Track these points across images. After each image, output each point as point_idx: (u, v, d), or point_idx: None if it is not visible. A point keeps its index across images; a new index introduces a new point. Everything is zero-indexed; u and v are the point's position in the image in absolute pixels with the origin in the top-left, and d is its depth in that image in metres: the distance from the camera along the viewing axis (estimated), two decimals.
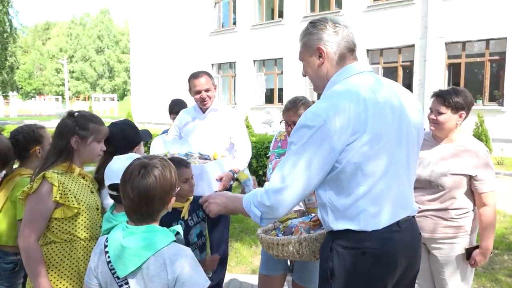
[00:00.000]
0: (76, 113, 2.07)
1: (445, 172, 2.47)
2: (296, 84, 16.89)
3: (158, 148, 3.03)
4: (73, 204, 1.94)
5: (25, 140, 2.46)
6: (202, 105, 3.44)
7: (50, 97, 47.34)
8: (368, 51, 14.93)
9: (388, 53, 14.78)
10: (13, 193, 2.33)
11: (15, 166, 2.56)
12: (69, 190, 1.95)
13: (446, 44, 13.03)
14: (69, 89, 54.94)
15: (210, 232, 3.38)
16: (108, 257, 1.54)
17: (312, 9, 16.67)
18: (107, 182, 1.89)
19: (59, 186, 1.91)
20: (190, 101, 3.72)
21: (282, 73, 17.59)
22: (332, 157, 1.51)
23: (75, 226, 1.96)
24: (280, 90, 17.56)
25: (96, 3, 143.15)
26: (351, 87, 1.59)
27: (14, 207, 2.33)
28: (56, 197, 1.90)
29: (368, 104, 1.54)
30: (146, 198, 1.51)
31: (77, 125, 2.03)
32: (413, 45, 13.76)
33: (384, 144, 1.54)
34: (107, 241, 1.59)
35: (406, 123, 1.63)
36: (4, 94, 21.64)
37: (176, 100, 4.66)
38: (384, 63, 14.89)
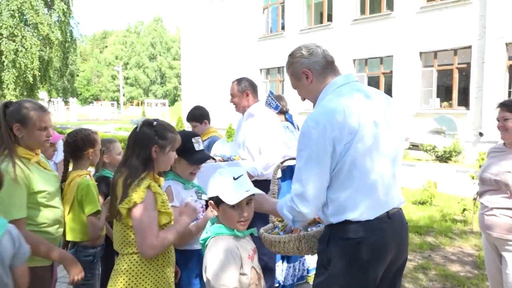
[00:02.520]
0: (155, 122, 2.10)
1: (510, 170, 2.58)
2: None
3: (217, 150, 3.45)
4: (169, 213, 2.06)
5: (82, 142, 2.65)
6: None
7: (106, 102, 49.62)
8: (421, 53, 14.41)
9: (443, 55, 14.18)
10: (78, 193, 2.52)
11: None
12: (163, 199, 2.06)
13: (507, 44, 12.31)
14: (123, 95, 57.35)
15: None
16: None
17: (362, 11, 16.35)
18: (212, 194, 1.89)
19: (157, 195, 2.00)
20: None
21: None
22: (335, 155, 1.73)
23: None
24: None
25: (150, 12, 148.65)
26: (342, 94, 1.83)
27: (81, 206, 2.53)
28: (159, 206, 2.00)
29: (359, 107, 1.78)
30: None
31: (156, 134, 2.06)
32: (470, 47, 13.12)
33: (374, 141, 1.77)
34: None
35: (390, 122, 1.85)
36: (65, 100, 22.85)
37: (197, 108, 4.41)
38: (439, 65, 14.30)
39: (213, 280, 1.73)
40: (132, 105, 60.00)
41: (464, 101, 13.65)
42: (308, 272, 4.07)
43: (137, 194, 1.93)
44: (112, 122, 33.16)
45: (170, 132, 2.11)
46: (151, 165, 2.03)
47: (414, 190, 7.74)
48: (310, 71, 1.94)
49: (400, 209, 1.92)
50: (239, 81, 3.62)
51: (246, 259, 1.82)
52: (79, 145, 2.64)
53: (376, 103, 1.86)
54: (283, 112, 4.17)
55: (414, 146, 13.17)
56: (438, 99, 14.45)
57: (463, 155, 12.13)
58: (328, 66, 1.96)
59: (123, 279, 1.97)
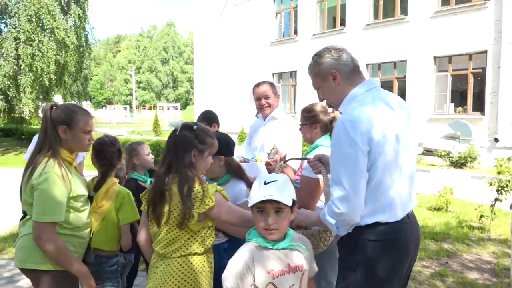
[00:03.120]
0: (195, 126, 2.10)
1: None
2: None
3: (240, 152, 3.39)
4: None
5: (119, 151, 2.65)
6: (261, 111, 3.63)
7: (119, 106, 50.07)
8: (435, 58, 14.30)
9: (458, 60, 14.05)
10: (117, 201, 2.51)
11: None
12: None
13: None
14: (136, 99, 57.82)
15: None
16: None
17: (376, 16, 16.30)
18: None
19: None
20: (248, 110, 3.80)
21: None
22: (370, 157, 1.76)
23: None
24: None
25: (163, 16, 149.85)
26: (372, 99, 1.87)
27: (116, 215, 2.50)
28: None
29: (388, 112, 1.84)
30: None
31: (196, 138, 2.07)
32: (485, 51, 12.99)
33: (401, 145, 1.83)
34: None
35: (410, 128, 1.91)
36: (79, 104, 23.11)
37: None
38: (453, 70, 14.17)
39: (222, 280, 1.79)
40: (144, 108, 60.45)
41: (479, 106, 13.50)
42: None
43: (209, 198, 1.98)
44: (125, 126, 33.44)
45: (209, 136, 2.13)
46: (194, 169, 2.04)
47: (429, 195, 7.67)
48: (338, 73, 1.94)
49: (412, 210, 2.01)
50: (271, 83, 3.69)
51: (263, 273, 1.75)
52: (118, 154, 2.64)
53: (399, 108, 1.91)
54: None
55: (428, 152, 13.05)
56: (453, 104, 14.31)
57: (478, 161, 11.98)
58: (355, 70, 1.98)
59: (180, 279, 1.99)
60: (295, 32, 19.47)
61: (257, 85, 3.67)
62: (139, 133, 24.25)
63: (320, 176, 2.36)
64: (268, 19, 20.51)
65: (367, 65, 16.36)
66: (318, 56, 2.01)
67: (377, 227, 1.82)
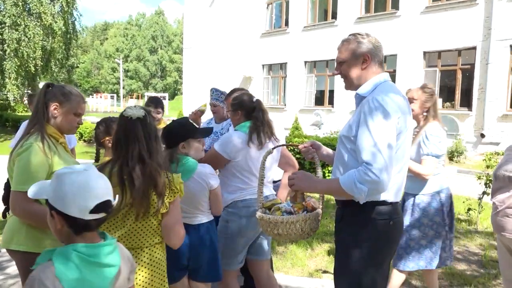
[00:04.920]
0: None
1: None
2: None
3: None
4: None
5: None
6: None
7: (106, 95, 49.42)
8: (425, 53, 14.41)
9: (447, 55, 14.19)
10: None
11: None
12: None
13: (511, 46, 12.33)
14: (123, 88, 57.19)
15: None
16: None
17: (367, 10, 16.32)
18: None
19: None
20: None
21: (333, 74, 17.32)
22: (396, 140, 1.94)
23: None
24: (331, 92, 17.34)
25: (152, 4, 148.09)
26: (395, 88, 2.06)
27: None
28: None
29: (405, 102, 2.03)
30: None
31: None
32: (474, 48, 13.14)
33: (409, 135, 2.03)
34: None
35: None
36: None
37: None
38: (442, 66, 14.31)
39: None
40: (132, 98, 59.78)
41: (466, 102, 13.67)
42: None
43: (179, 186, 1.99)
44: (112, 114, 33.04)
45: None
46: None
47: None
48: (370, 58, 2.07)
49: None
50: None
51: None
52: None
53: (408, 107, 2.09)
54: None
55: None
56: (441, 99, 14.45)
57: (465, 155, 12.15)
58: (381, 63, 2.14)
59: (149, 270, 1.97)
60: (286, 24, 19.41)
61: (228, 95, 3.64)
62: None
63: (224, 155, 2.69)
64: (259, 10, 20.39)
65: None
66: (361, 35, 2.11)
67: (384, 206, 1.98)
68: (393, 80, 15.14)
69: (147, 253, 1.97)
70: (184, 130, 2.52)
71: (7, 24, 16.07)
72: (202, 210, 2.57)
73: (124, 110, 1.93)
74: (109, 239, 1.46)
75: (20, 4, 16.21)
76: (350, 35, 2.15)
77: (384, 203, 1.97)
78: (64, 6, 18.07)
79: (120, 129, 1.92)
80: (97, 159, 2.89)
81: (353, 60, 2.08)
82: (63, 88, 2.28)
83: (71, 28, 19.53)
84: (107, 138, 2.73)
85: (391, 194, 1.98)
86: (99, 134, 2.77)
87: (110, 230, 1.90)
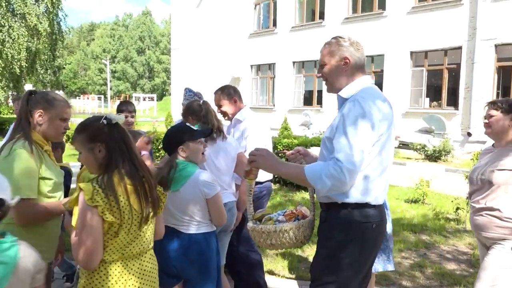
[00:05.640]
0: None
1: (493, 168, 2.59)
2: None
3: None
4: None
5: None
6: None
7: (93, 96, 49.01)
8: (412, 53, 14.52)
9: (433, 55, 14.32)
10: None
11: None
12: None
13: (496, 46, 12.48)
14: (111, 89, 56.69)
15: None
16: None
17: (354, 10, 16.40)
18: None
19: None
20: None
21: (317, 77, 17.37)
22: (374, 142, 1.94)
23: None
24: (320, 92, 17.38)
25: (139, 4, 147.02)
26: (378, 92, 2.08)
27: None
28: None
29: (389, 108, 2.03)
30: None
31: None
32: (460, 47, 13.27)
33: (391, 138, 2.03)
34: None
35: (393, 124, 2.08)
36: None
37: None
38: (429, 65, 14.44)
39: None
40: (119, 99, 59.30)
41: (453, 101, 13.81)
42: None
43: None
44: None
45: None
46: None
47: (406, 188, 7.80)
48: (350, 61, 2.08)
49: None
50: (223, 89, 3.68)
51: None
52: None
53: (390, 104, 2.09)
54: None
55: (404, 145, 13.28)
56: (428, 98, 14.59)
57: (452, 154, 12.27)
58: (362, 67, 2.14)
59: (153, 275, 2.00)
60: (274, 24, 19.41)
61: (214, 93, 3.72)
62: None
63: None
64: (247, 11, 20.36)
65: None
66: (342, 39, 2.13)
67: (367, 209, 1.98)
68: (381, 80, 15.26)
69: (149, 258, 1.93)
70: (180, 134, 2.50)
71: None
72: (196, 219, 2.45)
73: (106, 117, 1.81)
74: (8, 237, 1.47)
75: (4, 4, 15.97)
76: (332, 38, 2.18)
77: (367, 205, 1.97)
78: (49, 7, 17.84)
79: (110, 137, 1.81)
80: None
81: (334, 63, 2.11)
82: (46, 94, 2.24)
83: (56, 29, 19.32)
84: None
85: (373, 196, 1.98)
86: None
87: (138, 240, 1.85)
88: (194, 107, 3.09)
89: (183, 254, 2.43)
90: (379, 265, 3.02)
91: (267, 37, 19.36)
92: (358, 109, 1.91)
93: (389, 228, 2.98)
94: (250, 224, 2.19)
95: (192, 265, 2.44)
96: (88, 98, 46.68)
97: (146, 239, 1.88)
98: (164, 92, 61.29)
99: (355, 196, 1.95)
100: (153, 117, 31.43)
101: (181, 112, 3.34)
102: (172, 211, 2.43)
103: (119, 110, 4.20)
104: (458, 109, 13.40)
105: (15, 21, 16.48)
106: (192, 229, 2.44)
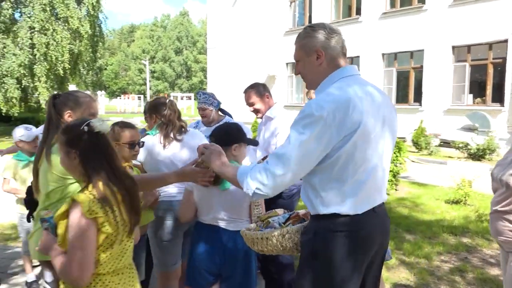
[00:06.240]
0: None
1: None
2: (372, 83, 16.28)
3: None
4: None
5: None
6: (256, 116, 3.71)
7: (133, 95, 50.27)
8: (453, 47, 13.95)
9: (477, 49, 13.69)
10: None
11: None
12: None
13: None
14: (150, 88, 58.03)
15: None
16: None
17: (393, 4, 15.94)
18: None
19: None
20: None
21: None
22: (329, 147, 1.68)
23: None
24: None
25: (177, 5, 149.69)
26: (349, 86, 1.77)
27: None
28: None
29: (363, 101, 1.73)
30: None
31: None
32: (506, 40, 12.62)
33: (373, 137, 1.74)
34: None
35: (387, 120, 1.83)
36: (93, 93, 23.27)
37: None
38: (472, 60, 13.82)
39: None
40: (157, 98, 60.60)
41: (498, 97, 13.16)
42: None
43: None
44: (139, 115, 33.64)
45: None
46: None
47: (447, 188, 7.50)
48: (323, 54, 1.85)
49: (383, 203, 1.92)
50: (254, 87, 3.66)
51: None
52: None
53: (377, 99, 1.82)
54: (220, 109, 4.13)
55: (445, 143, 12.80)
56: (471, 95, 13.98)
57: (497, 153, 11.69)
58: (341, 57, 1.89)
59: None
60: (310, 21, 19.19)
61: (244, 91, 3.69)
62: None
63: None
64: (282, 8, 20.25)
65: (383, 54, 16.07)
66: (311, 28, 1.90)
67: (337, 218, 1.75)
68: (420, 76, 14.78)
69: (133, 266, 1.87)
70: (239, 134, 2.56)
71: (36, 29, 16.49)
72: (243, 216, 2.53)
73: (89, 125, 1.70)
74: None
75: (48, 9, 16.60)
76: (303, 28, 1.95)
77: (337, 215, 1.74)
78: (90, 10, 18.41)
79: (88, 146, 1.70)
80: None
81: (306, 57, 1.90)
82: (69, 94, 2.29)
83: (97, 31, 19.90)
84: (114, 142, 2.65)
85: (343, 206, 1.73)
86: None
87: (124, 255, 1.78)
88: (158, 105, 3.12)
89: (229, 251, 2.46)
90: None
91: None
92: (306, 111, 1.69)
93: None
94: (242, 229, 2.13)
95: (237, 263, 2.48)
96: (128, 98, 47.93)
97: (132, 248, 1.85)
98: None
99: (319, 205, 1.76)
100: (190, 116, 31.91)
101: (145, 109, 3.36)
102: (219, 209, 2.47)
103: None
104: (504, 106, 12.76)
105: (59, 25, 17.12)
106: (239, 227, 2.43)
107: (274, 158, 1.71)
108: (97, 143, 1.71)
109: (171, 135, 2.92)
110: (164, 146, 2.89)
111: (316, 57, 1.86)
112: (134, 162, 2.87)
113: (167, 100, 3.05)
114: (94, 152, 1.70)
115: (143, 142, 2.85)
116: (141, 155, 2.88)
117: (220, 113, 4.10)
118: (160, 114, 2.98)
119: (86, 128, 1.68)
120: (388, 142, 1.85)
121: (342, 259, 1.75)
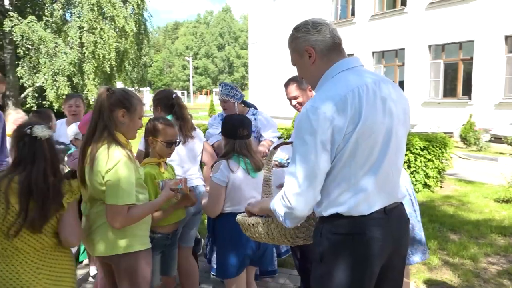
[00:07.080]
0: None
1: None
2: (418, 76, 15.72)
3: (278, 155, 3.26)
4: None
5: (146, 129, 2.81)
6: (297, 111, 3.51)
7: (177, 91, 51.37)
8: (507, 37, 13.19)
9: None
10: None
11: None
12: None
13: None
14: (193, 84, 59.09)
15: None
16: None
17: None
18: None
19: None
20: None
21: (403, 64, 16.51)
22: (333, 146, 1.60)
23: None
24: (401, 82, 16.51)
25: (219, 1, 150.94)
26: (345, 80, 1.67)
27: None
28: None
29: (362, 96, 1.62)
30: None
31: None
32: None
33: (376, 133, 1.64)
34: None
35: (395, 113, 1.71)
36: (138, 89, 23.97)
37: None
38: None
39: None
40: (201, 94, 61.64)
41: None
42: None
43: (77, 189, 2.20)
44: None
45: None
46: None
47: (497, 186, 7.12)
48: (314, 50, 1.76)
49: (401, 203, 1.82)
50: (297, 80, 3.46)
51: None
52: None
53: (381, 92, 1.70)
54: (244, 101, 3.97)
55: (497, 139, 12.16)
56: None
57: None
58: (335, 48, 1.77)
59: None
60: (353, 14, 18.80)
61: (285, 84, 3.54)
62: (196, 118, 24.75)
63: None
64: (324, 1, 19.94)
65: (430, 46, 15.47)
66: (295, 30, 1.83)
67: (340, 219, 1.67)
68: (470, 68, 14.14)
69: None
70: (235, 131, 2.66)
71: (85, 28, 17.17)
72: None
73: (31, 129, 1.92)
74: None
75: (96, 9, 17.22)
76: (292, 31, 1.88)
77: (339, 216, 1.67)
78: (135, 8, 18.92)
79: (25, 148, 1.93)
80: (145, 155, 2.89)
81: (300, 59, 1.83)
82: (125, 93, 2.26)
83: (142, 29, 20.42)
84: (150, 137, 2.67)
85: (345, 206, 1.66)
86: (146, 131, 2.72)
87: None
88: (164, 98, 3.18)
89: None
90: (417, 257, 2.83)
91: (345, 28, 18.79)
92: (302, 118, 1.62)
93: (412, 216, 2.75)
94: (238, 216, 2.10)
95: (268, 245, 2.64)
96: None
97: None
98: (243, 86, 62.42)
99: (321, 207, 1.71)
100: None
101: (152, 100, 3.39)
102: (252, 195, 2.61)
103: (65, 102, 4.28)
104: None
105: (105, 24, 17.73)
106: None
107: (287, 178, 1.66)
108: (34, 149, 1.92)
109: (188, 132, 3.10)
110: (184, 143, 3.06)
111: (308, 56, 1.78)
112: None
113: (174, 96, 3.17)
114: (28, 156, 1.92)
115: (179, 142, 2.88)
116: None
117: (243, 105, 3.96)
118: (167, 106, 3.12)
119: (28, 131, 1.91)
120: (397, 137, 1.72)
121: (347, 263, 1.67)
